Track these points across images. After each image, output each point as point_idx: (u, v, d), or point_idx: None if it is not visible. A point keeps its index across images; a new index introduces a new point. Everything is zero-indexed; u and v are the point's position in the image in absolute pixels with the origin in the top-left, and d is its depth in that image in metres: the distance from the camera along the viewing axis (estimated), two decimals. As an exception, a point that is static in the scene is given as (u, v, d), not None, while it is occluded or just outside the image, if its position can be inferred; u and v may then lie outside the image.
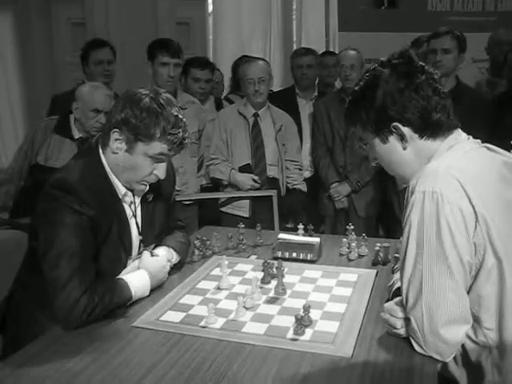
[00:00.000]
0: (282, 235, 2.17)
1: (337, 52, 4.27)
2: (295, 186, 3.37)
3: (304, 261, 2.04)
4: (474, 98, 3.04)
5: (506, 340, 1.30)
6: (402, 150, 1.45)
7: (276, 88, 4.44)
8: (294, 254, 2.05)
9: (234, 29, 5.33)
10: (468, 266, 1.30)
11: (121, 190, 1.73)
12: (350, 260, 2.07)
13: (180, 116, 1.65)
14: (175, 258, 1.91)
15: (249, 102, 3.29)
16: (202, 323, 1.54)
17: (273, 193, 3.21)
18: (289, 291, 1.76)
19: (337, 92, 3.62)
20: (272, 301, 1.70)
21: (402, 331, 1.41)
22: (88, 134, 2.72)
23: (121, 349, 1.41)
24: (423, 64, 1.46)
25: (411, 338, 1.37)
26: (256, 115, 3.29)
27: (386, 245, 2.04)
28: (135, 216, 1.80)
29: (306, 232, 2.30)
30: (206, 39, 5.38)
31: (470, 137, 1.49)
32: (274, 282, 1.79)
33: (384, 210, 3.53)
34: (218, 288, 1.80)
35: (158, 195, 1.88)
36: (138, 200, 1.81)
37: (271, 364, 1.33)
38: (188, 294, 1.75)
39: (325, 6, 5.38)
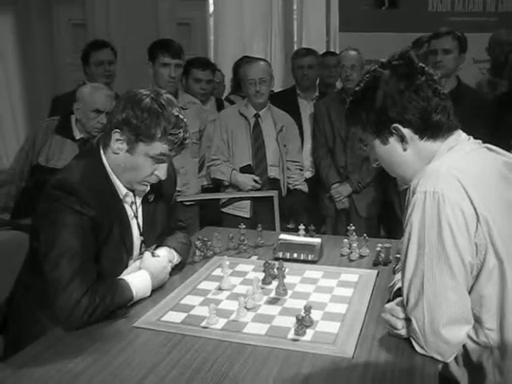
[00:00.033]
0: (283, 236, 2.17)
1: (337, 52, 4.26)
2: (296, 187, 3.37)
3: (305, 261, 2.04)
4: (474, 98, 3.04)
5: (507, 340, 1.30)
6: (403, 151, 1.45)
7: (277, 88, 4.44)
8: (295, 255, 2.05)
9: (234, 29, 5.33)
10: (469, 266, 1.30)
11: (122, 190, 1.73)
12: (350, 260, 2.07)
13: (181, 116, 1.65)
14: (176, 258, 1.91)
15: (250, 103, 3.29)
16: (203, 324, 1.54)
17: (274, 193, 3.21)
18: (290, 292, 1.76)
19: (337, 92, 3.62)
20: (273, 301, 1.70)
21: (402, 332, 1.40)
22: (89, 135, 2.73)
23: (122, 349, 1.42)
24: (423, 65, 1.46)
25: (412, 339, 1.37)
26: (257, 116, 3.29)
27: (387, 245, 2.04)
28: (136, 216, 1.80)
29: (307, 232, 2.30)
30: (207, 40, 5.39)
31: (471, 137, 1.49)
32: (274, 283, 1.79)
33: (385, 210, 3.53)
34: (219, 288, 1.80)
35: (159, 196, 1.88)
36: (139, 200, 1.81)
37: (272, 364, 1.33)
38: (189, 295, 1.76)
39: (325, 6, 5.39)
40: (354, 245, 2.10)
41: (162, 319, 1.58)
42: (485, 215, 1.28)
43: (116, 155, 1.66)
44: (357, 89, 1.51)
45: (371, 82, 1.47)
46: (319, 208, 3.61)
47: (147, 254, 1.78)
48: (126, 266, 1.76)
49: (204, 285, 1.84)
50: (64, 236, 1.54)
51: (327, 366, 1.33)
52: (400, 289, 1.42)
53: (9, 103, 4.82)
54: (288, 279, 1.81)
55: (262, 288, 1.77)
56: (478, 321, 1.33)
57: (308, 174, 3.62)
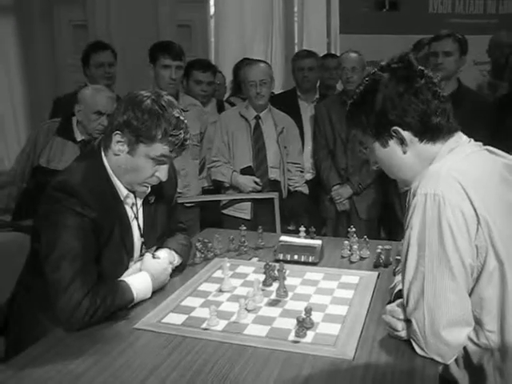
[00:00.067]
0: (284, 237, 2.17)
1: (338, 54, 4.26)
2: (297, 189, 3.37)
3: (305, 263, 2.04)
4: (475, 100, 3.04)
5: (507, 342, 1.30)
6: (402, 154, 1.45)
7: (277, 90, 4.44)
8: (296, 257, 2.05)
9: (235, 31, 5.33)
10: (470, 268, 1.31)
11: (123, 191, 1.73)
12: (351, 262, 2.07)
13: (181, 118, 1.65)
14: (177, 260, 1.91)
15: (250, 105, 3.29)
16: (204, 325, 1.55)
17: (274, 195, 3.21)
18: (290, 293, 1.76)
19: (338, 94, 3.62)
20: (274, 303, 1.70)
21: (403, 333, 1.41)
22: (90, 137, 2.73)
23: (122, 351, 1.42)
24: (422, 68, 1.46)
25: (412, 340, 1.37)
26: (258, 117, 3.29)
27: (387, 247, 2.04)
28: (137, 218, 1.80)
29: (308, 234, 2.29)
30: (208, 41, 5.38)
31: (471, 139, 1.49)
32: (275, 285, 1.79)
33: (386, 212, 3.53)
34: (220, 290, 1.80)
35: (160, 197, 1.88)
36: (139, 202, 1.81)
37: (273, 366, 1.33)
38: (190, 297, 1.76)
39: (326, 8, 5.38)
40: (355, 247, 2.10)
41: (163, 321, 1.59)
42: (485, 217, 1.29)
43: (117, 157, 1.66)
44: (356, 92, 1.52)
45: (371, 85, 1.47)
46: (320, 210, 3.61)
47: (148, 256, 1.78)
48: (127, 268, 1.76)
49: (204, 286, 1.84)
50: (65, 237, 1.55)
51: (328, 367, 1.33)
52: (400, 290, 1.42)
53: (10, 104, 4.82)
54: (288, 281, 1.81)
55: (263, 290, 1.77)
56: (478, 323, 1.33)
57: (308, 176, 3.62)
